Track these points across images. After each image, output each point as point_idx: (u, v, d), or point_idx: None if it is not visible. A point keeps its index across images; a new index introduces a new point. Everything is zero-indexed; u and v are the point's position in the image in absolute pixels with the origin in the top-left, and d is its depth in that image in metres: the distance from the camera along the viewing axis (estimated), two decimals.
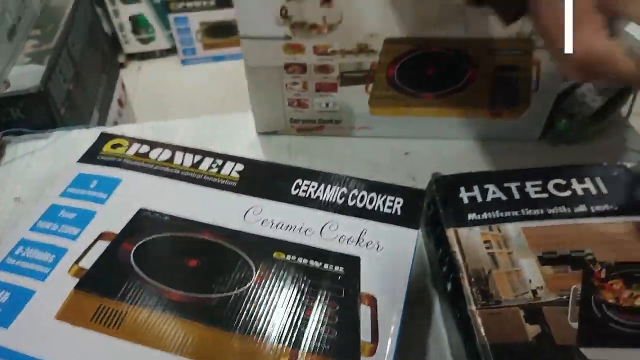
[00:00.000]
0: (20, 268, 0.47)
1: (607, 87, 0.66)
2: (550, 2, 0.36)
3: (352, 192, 0.54)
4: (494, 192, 0.51)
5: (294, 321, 0.42)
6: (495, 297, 0.43)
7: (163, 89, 2.20)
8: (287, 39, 0.56)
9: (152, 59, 2.42)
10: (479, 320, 0.41)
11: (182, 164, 0.59)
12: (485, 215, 0.49)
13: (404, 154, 0.67)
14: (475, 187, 0.51)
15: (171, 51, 2.39)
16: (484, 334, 0.40)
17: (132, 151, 0.61)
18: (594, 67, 0.35)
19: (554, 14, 0.35)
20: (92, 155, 0.61)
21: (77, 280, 0.45)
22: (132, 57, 2.39)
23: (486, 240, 0.47)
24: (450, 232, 0.48)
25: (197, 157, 0.60)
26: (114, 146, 0.62)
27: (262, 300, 0.44)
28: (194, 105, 2.01)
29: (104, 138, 0.64)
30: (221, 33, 2.23)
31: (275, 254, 0.48)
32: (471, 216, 0.49)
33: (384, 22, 0.54)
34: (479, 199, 0.50)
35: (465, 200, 0.50)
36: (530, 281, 0.43)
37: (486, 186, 0.51)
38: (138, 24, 2.25)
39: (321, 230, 0.50)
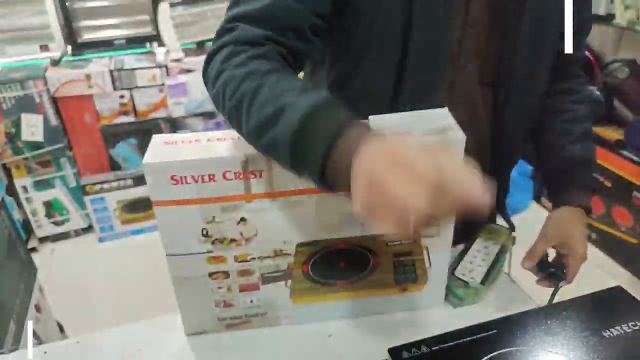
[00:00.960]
0: None
1: (489, 253, 0.78)
2: None
3: None
4: None
5: None
6: None
7: (80, 269, 2.12)
8: (210, 253, 0.62)
9: (66, 239, 2.36)
10: None
11: None
12: None
13: (328, 336, 0.71)
14: None
15: (87, 229, 2.36)
16: None
17: None
18: None
19: None
20: None
21: None
22: (45, 239, 2.32)
23: None
24: None
25: None
26: None
27: None
28: (114, 283, 1.94)
29: None
30: (139, 208, 2.27)
31: None
32: None
33: (294, 231, 0.62)
34: None
35: None
36: None
37: None
38: (52, 207, 2.23)
39: None
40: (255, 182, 0.58)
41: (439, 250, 0.67)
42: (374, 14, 0.65)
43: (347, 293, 0.69)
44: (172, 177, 0.56)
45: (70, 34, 2.07)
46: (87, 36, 2.12)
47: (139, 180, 2.20)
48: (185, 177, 0.56)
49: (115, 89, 2.04)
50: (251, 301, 0.68)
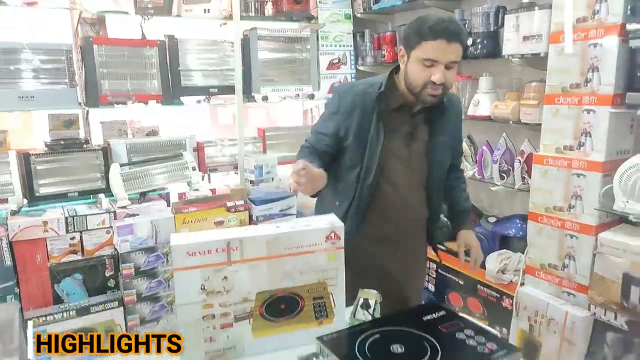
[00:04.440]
0: None
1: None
2: None
3: None
4: None
5: None
6: None
7: None
8: (204, 301, 0.97)
9: None
10: None
11: None
12: None
13: None
14: None
15: None
16: None
17: None
18: None
19: None
20: None
21: None
22: None
23: None
24: None
25: None
26: None
27: None
28: None
29: None
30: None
31: None
32: None
33: (254, 284, 1.00)
34: None
35: None
36: None
37: None
38: None
39: None
40: (233, 253, 0.97)
41: (337, 295, 1.08)
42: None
43: (286, 327, 1.05)
44: (187, 252, 0.93)
45: (29, 189, 2.34)
46: (43, 190, 2.39)
47: (82, 311, 2.32)
48: (195, 252, 0.94)
49: (67, 232, 2.29)
50: (227, 337, 1.01)
